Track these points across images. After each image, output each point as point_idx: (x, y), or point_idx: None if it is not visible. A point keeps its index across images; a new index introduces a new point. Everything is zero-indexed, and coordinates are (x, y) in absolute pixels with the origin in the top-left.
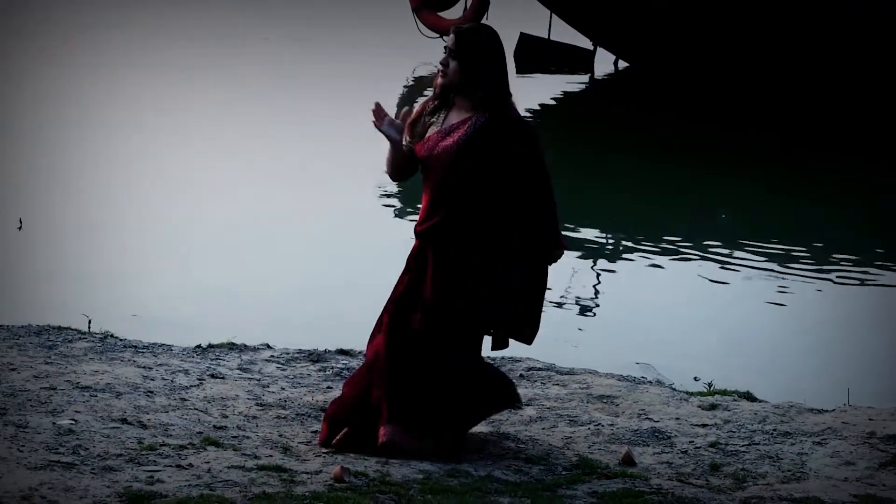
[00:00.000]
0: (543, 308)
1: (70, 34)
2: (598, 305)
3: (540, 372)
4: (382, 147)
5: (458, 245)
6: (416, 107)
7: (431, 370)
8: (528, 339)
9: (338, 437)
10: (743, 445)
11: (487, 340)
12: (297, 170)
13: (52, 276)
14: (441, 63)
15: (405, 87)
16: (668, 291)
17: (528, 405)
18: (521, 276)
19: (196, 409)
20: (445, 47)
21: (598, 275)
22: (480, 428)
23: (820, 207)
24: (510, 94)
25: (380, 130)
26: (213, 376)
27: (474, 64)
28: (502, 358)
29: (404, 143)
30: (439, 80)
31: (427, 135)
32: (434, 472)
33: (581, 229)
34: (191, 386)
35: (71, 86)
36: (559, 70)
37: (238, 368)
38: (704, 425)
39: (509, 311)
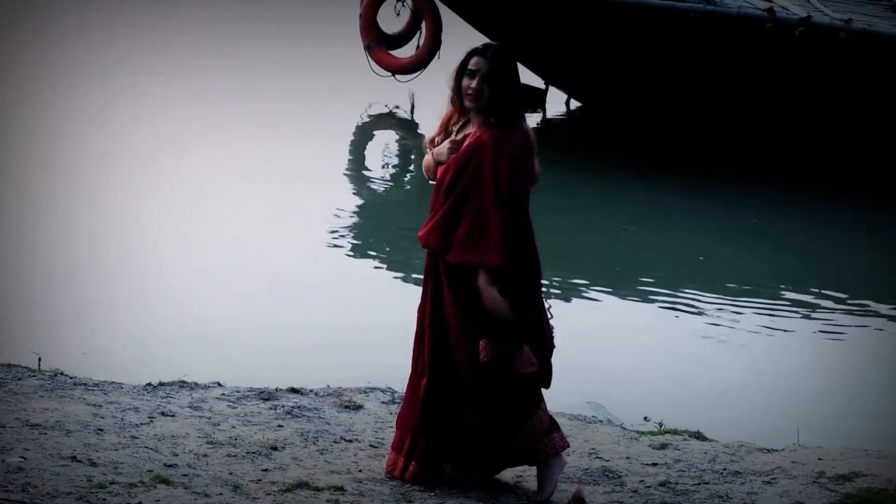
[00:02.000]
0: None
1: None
2: None
3: None
4: (330, 184)
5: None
6: (440, 121)
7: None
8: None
9: (410, 471)
10: (693, 485)
11: None
12: (245, 208)
13: (1, 313)
14: (474, 88)
15: (357, 126)
16: (619, 331)
17: None
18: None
19: (146, 447)
20: (470, 70)
21: (548, 313)
22: None
23: (773, 249)
24: (522, 116)
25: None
26: (163, 414)
27: (503, 88)
28: None
29: (426, 150)
30: (469, 103)
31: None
32: None
33: None
34: (141, 424)
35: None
36: None
37: (189, 406)
38: (655, 464)
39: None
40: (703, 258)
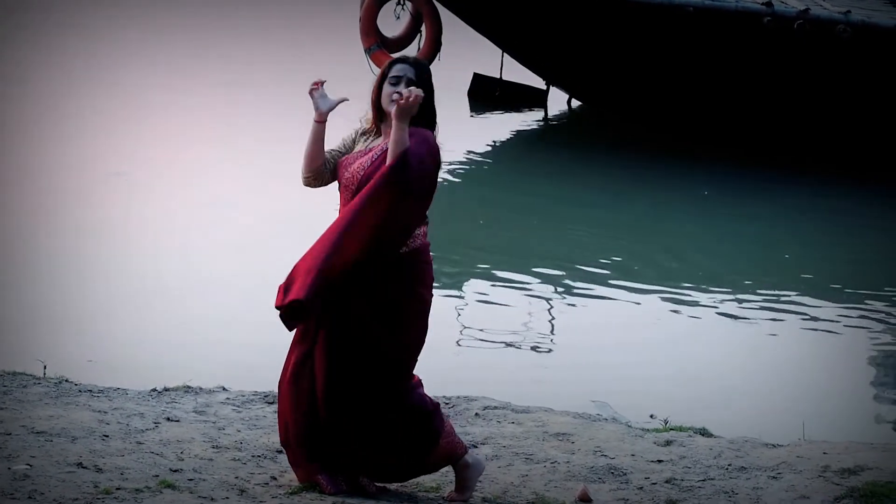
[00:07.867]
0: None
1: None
2: (553, 343)
3: (496, 410)
4: (332, 186)
5: None
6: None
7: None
8: None
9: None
10: (698, 481)
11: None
12: (247, 210)
13: (6, 321)
14: (400, 93)
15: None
16: (624, 329)
17: (483, 444)
18: None
19: (152, 453)
20: (395, 76)
21: (553, 313)
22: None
23: (776, 244)
24: (435, 128)
25: (311, 96)
26: (168, 419)
27: (430, 99)
28: (457, 397)
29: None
30: (397, 108)
31: (354, 150)
32: None
33: (536, 268)
34: (146, 429)
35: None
36: (512, 109)
37: (194, 411)
38: (660, 461)
39: None
40: (693, 254)
